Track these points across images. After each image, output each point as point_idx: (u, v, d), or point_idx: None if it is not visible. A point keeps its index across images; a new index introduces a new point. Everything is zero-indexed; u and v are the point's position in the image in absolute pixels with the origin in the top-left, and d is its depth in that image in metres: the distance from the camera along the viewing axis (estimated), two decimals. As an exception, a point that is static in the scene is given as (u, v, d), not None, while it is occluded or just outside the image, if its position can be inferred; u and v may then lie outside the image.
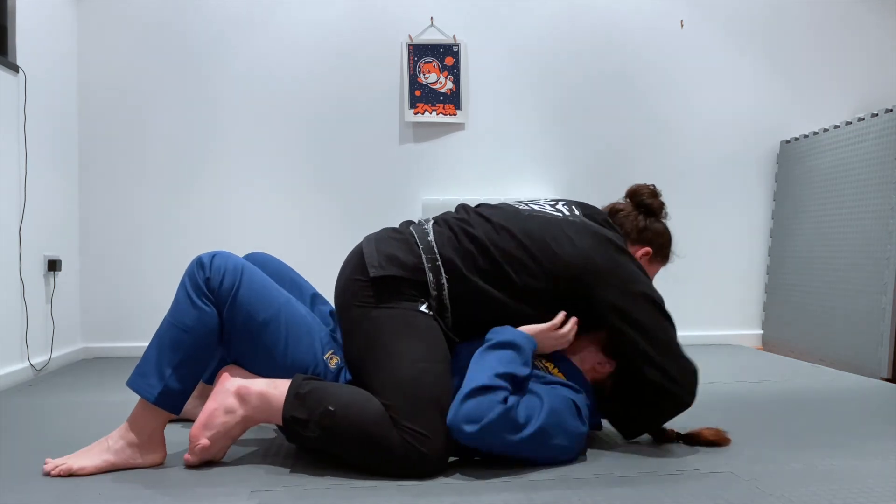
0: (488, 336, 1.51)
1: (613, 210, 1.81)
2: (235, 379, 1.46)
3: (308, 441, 1.42)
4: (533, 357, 1.57)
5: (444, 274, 1.52)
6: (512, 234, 1.55)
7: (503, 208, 1.65)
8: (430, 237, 1.56)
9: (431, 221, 1.64)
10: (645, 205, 1.79)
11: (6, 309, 2.50)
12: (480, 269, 1.53)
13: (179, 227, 3.25)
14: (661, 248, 1.80)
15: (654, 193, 1.80)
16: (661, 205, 1.81)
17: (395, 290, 1.51)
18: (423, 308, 1.51)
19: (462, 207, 1.69)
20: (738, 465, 1.49)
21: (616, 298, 1.53)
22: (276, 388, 1.43)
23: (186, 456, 1.45)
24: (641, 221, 1.78)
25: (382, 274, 1.50)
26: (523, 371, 1.44)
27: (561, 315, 1.57)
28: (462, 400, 1.36)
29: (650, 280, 1.64)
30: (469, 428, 1.34)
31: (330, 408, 1.38)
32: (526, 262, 1.53)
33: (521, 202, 1.73)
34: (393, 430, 1.38)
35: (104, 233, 3.21)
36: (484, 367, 1.42)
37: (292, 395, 1.41)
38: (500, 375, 1.39)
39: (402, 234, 1.60)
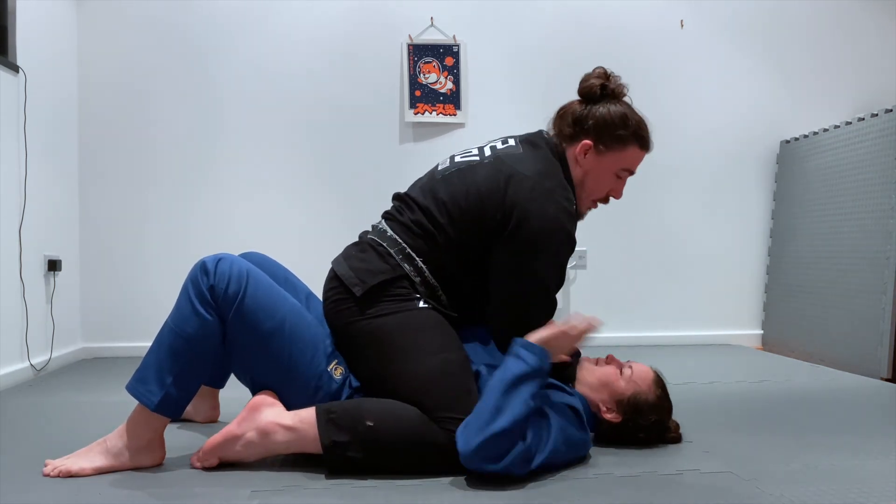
0: (509, 360, 1.41)
1: (556, 114, 1.65)
2: (264, 411, 1.42)
3: (353, 462, 1.39)
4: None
5: (417, 258, 1.54)
6: (434, 202, 1.56)
7: (421, 180, 1.68)
8: (389, 232, 1.59)
9: (383, 220, 1.67)
10: (585, 91, 1.60)
11: (6, 309, 2.50)
12: (439, 243, 1.54)
13: (180, 227, 3.25)
14: (604, 132, 1.57)
15: (599, 74, 1.60)
16: (603, 85, 1.58)
17: (385, 294, 1.51)
18: (420, 304, 1.53)
19: (396, 196, 1.70)
20: (738, 465, 1.49)
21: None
22: (304, 422, 1.40)
23: (193, 458, 1.45)
24: (577, 111, 1.60)
25: (367, 287, 1.51)
26: (538, 394, 1.40)
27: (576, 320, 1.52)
28: (484, 440, 1.29)
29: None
30: (491, 466, 1.31)
31: (368, 423, 1.37)
32: (452, 221, 1.53)
33: (450, 158, 1.68)
34: (434, 425, 1.38)
35: (104, 233, 3.21)
36: (510, 404, 1.34)
37: (324, 420, 1.38)
38: (519, 419, 1.33)
39: (364, 244, 1.62)
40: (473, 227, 1.52)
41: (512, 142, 1.64)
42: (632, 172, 1.64)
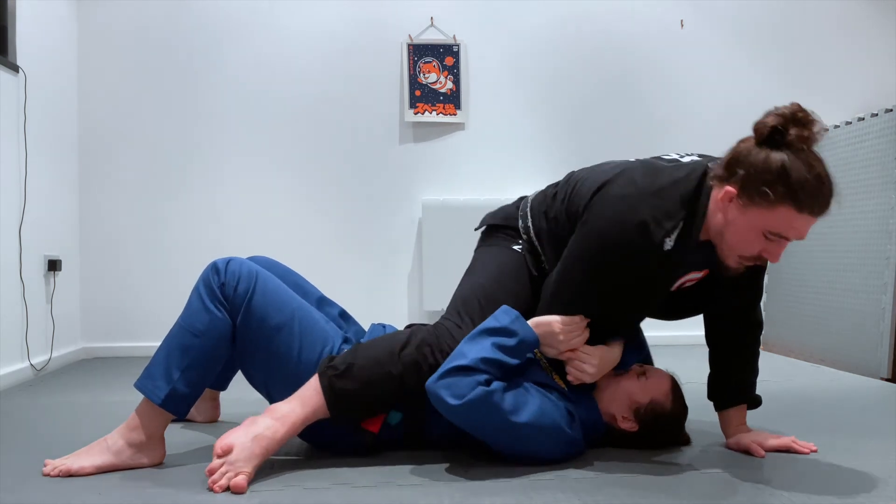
0: (492, 315, 1.48)
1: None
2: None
3: (347, 396, 1.41)
4: (535, 354, 1.57)
5: (529, 219, 1.63)
6: (567, 181, 1.63)
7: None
8: (531, 195, 1.71)
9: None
10: (755, 129, 1.33)
11: (6, 309, 2.50)
12: (549, 220, 1.59)
13: (180, 228, 3.25)
14: (749, 183, 1.30)
15: (784, 112, 1.30)
16: (777, 128, 1.29)
17: (496, 233, 1.69)
18: (515, 247, 1.63)
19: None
20: (738, 465, 1.49)
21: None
22: (303, 389, 1.43)
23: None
24: (738, 150, 1.34)
25: (485, 225, 1.74)
26: (512, 361, 1.43)
27: (578, 318, 1.48)
28: (439, 376, 1.38)
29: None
30: (453, 401, 1.34)
31: (352, 359, 1.44)
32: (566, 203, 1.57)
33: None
34: (409, 350, 1.46)
35: (104, 233, 3.21)
36: (472, 348, 1.41)
37: (323, 365, 1.44)
38: (485, 360, 1.39)
39: (520, 198, 1.76)
40: (572, 211, 1.53)
41: (679, 155, 1.55)
42: (787, 238, 1.35)
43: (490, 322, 1.46)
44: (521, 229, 1.63)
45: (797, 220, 1.32)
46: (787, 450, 1.57)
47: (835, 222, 3.07)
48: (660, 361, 1.79)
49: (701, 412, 1.99)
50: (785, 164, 1.29)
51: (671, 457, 1.55)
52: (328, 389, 1.41)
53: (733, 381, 1.63)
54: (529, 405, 1.40)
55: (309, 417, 1.42)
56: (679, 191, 1.40)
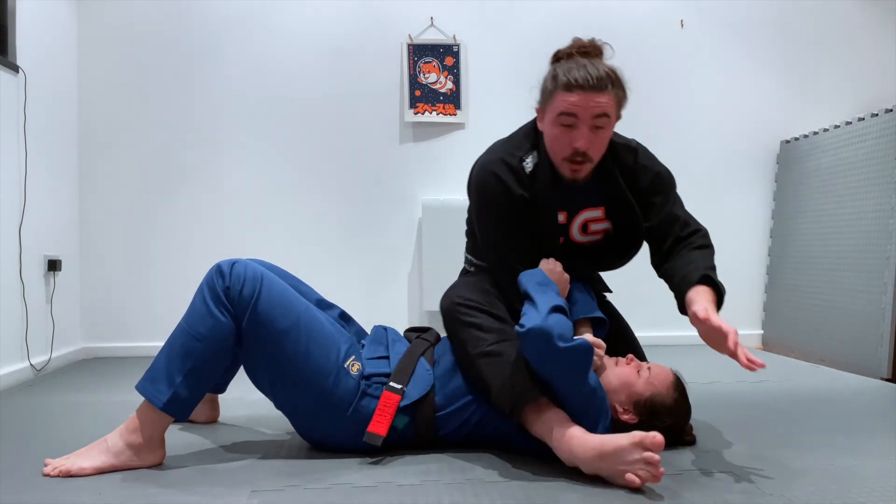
0: (527, 279, 1.56)
1: None
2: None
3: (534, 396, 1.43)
4: None
5: (464, 254, 1.94)
6: None
7: None
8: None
9: None
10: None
11: (6, 309, 2.50)
12: (468, 232, 1.92)
13: (179, 228, 3.25)
14: (540, 93, 1.63)
15: (575, 42, 1.61)
16: (555, 56, 1.62)
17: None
18: (469, 270, 1.89)
19: None
20: (738, 465, 1.49)
21: None
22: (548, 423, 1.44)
23: None
24: None
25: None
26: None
27: (552, 260, 1.68)
28: (548, 312, 1.40)
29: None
30: (561, 343, 1.36)
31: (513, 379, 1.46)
32: None
33: None
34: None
35: (104, 233, 3.21)
36: (545, 297, 1.46)
37: (516, 397, 1.44)
38: (559, 306, 1.45)
39: None
40: None
41: None
42: (575, 115, 1.52)
43: (526, 278, 1.55)
44: (466, 267, 1.91)
45: (570, 96, 1.52)
46: (732, 354, 1.39)
47: (835, 222, 3.07)
48: (659, 361, 1.79)
49: (702, 412, 2.00)
50: (555, 67, 1.58)
51: (673, 457, 1.55)
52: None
53: (684, 270, 1.60)
54: (593, 373, 1.46)
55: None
56: (522, 131, 1.72)
